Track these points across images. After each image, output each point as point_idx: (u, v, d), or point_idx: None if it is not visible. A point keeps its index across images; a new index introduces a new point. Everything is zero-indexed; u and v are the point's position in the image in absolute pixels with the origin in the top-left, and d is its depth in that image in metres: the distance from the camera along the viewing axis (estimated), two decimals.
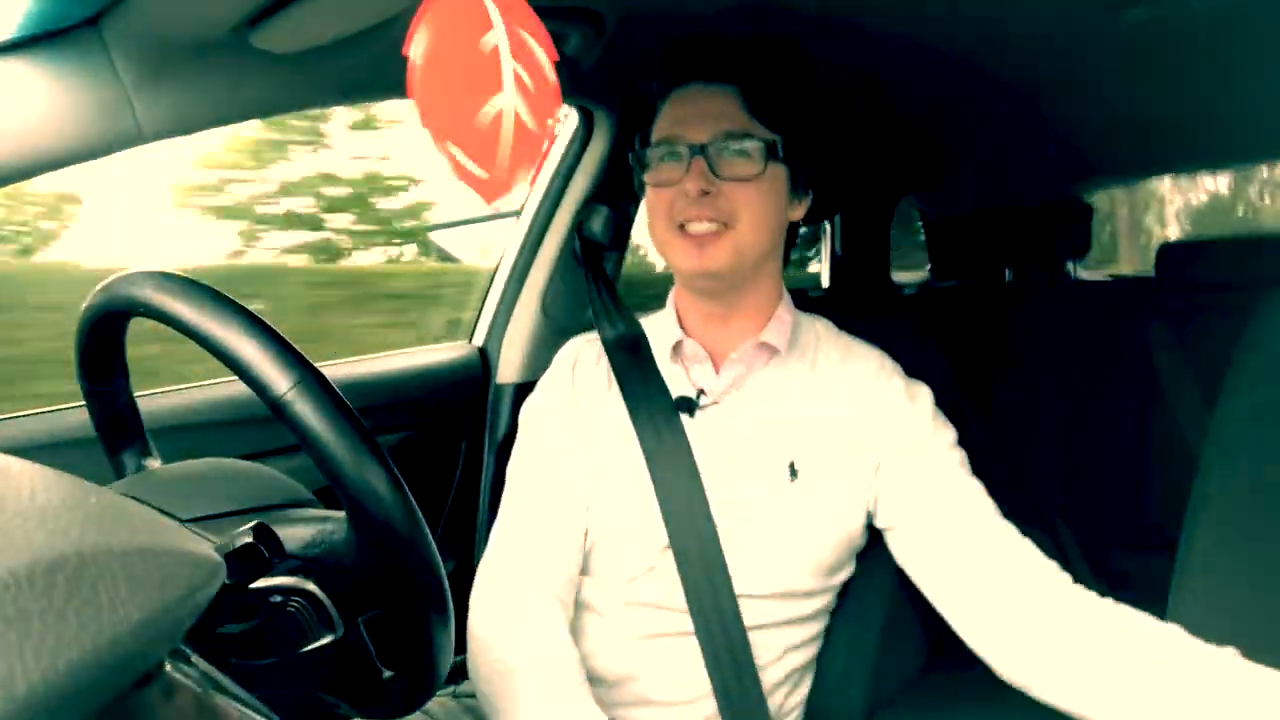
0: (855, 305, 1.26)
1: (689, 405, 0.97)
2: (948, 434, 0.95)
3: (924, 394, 0.97)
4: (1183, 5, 1.09)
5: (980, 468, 0.94)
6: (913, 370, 1.00)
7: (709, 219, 0.91)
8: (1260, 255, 1.56)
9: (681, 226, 0.92)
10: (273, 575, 0.58)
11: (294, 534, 0.61)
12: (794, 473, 0.93)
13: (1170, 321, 1.60)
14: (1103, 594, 0.81)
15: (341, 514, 0.60)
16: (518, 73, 0.57)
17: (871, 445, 0.94)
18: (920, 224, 2.42)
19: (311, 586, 0.58)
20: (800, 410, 0.96)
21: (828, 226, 2.39)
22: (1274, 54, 1.27)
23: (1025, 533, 0.88)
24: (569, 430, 1.00)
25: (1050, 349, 1.74)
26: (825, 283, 2.42)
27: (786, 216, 0.97)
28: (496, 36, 0.57)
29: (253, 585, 0.58)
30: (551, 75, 0.58)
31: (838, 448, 0.94)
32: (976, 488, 0.91)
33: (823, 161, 0.99)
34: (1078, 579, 0.84)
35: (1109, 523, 1.64)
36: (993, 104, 1.60)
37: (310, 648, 0.58)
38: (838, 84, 1.41)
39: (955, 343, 1.73)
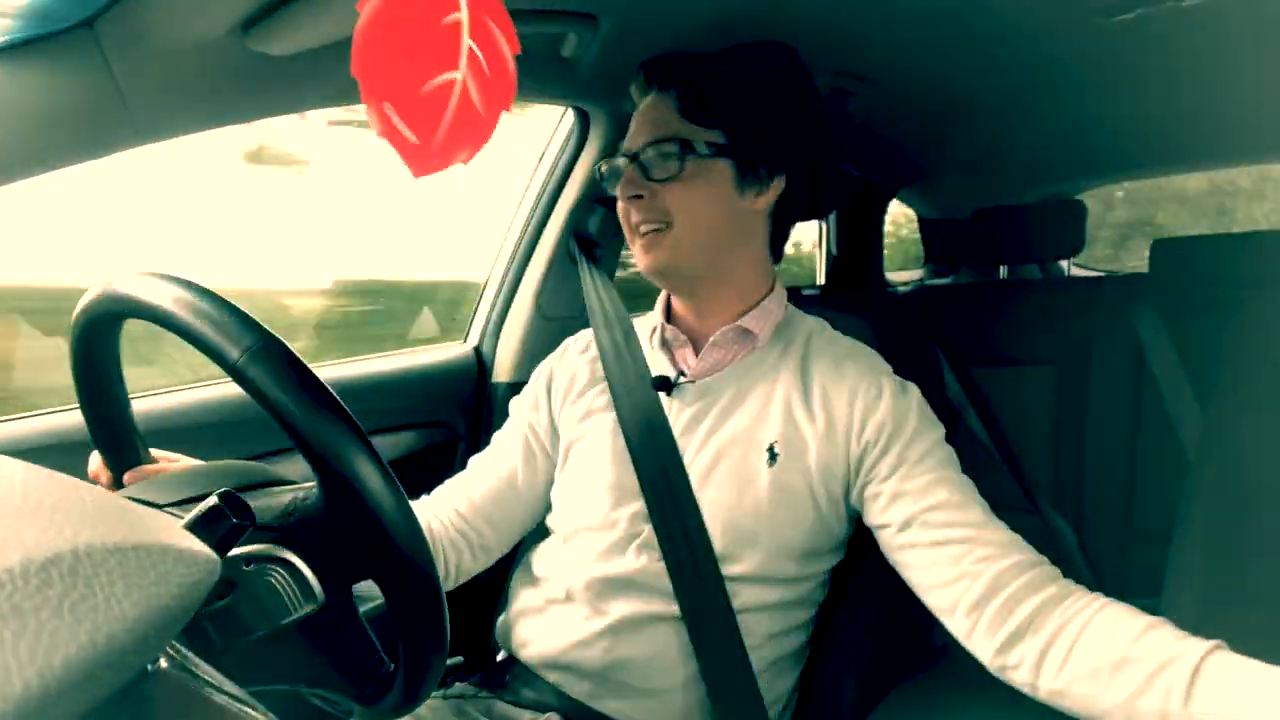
0: (850, 303, 1.27)
1: (666, 384, 1.01)
2: (935, 432, 0.95)
3: (912, 392, 0.98)
4: (1174, 6, 1.09)
5: (974, 463, 0.94)
6: (907, 368, 1.01)
7: (647, 220, 0.97)
8: (1253, 253, 1.57)
9: (636, 229, 0.98)
10: (247, 544, 0.57)
11: (267, 505, 0.60)
12: (773, 457, 0.94)
13: (1163, 318, 1.61)
14: (1095, 588, 0.81)
15: (314, 484, 0.60)
16: (474, 52, 0.56)
17: (856, 441, 0.94)
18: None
19: (289, 554, 0.58)
20: (784, 399, 0.97)
21: (823, 226, 2.40)
22: (1267, 53, 1.28)
23: (1018, 528, 0.88)
24: (534, 413, 1.12)
25: (1044, 345, 1.74)
26: (820, 281, 2.43)
27: (741, 207, 0.99)
28: (459, 16, 0.56)
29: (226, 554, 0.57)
30: (512, 67, 0.57)
31: (820, 439, 0.94)
32: (966, 484, 0.91)
33: (787, 150, 1.00)
34: (1070, 574, 0.84)
35: (1103, 518, 1.65)
36: (986, 103, 1.61)
37: (292, 619, 0.57)
38: (830, 86, 1.41)
39: (949, 340, 1.74)
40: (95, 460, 0.76)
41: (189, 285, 0.57)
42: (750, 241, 1.02)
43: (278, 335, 0.56)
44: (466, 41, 0.55)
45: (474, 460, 1.14)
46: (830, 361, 0.99)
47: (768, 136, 0.98)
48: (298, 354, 0.56)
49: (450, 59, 0.55)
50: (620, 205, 1.00)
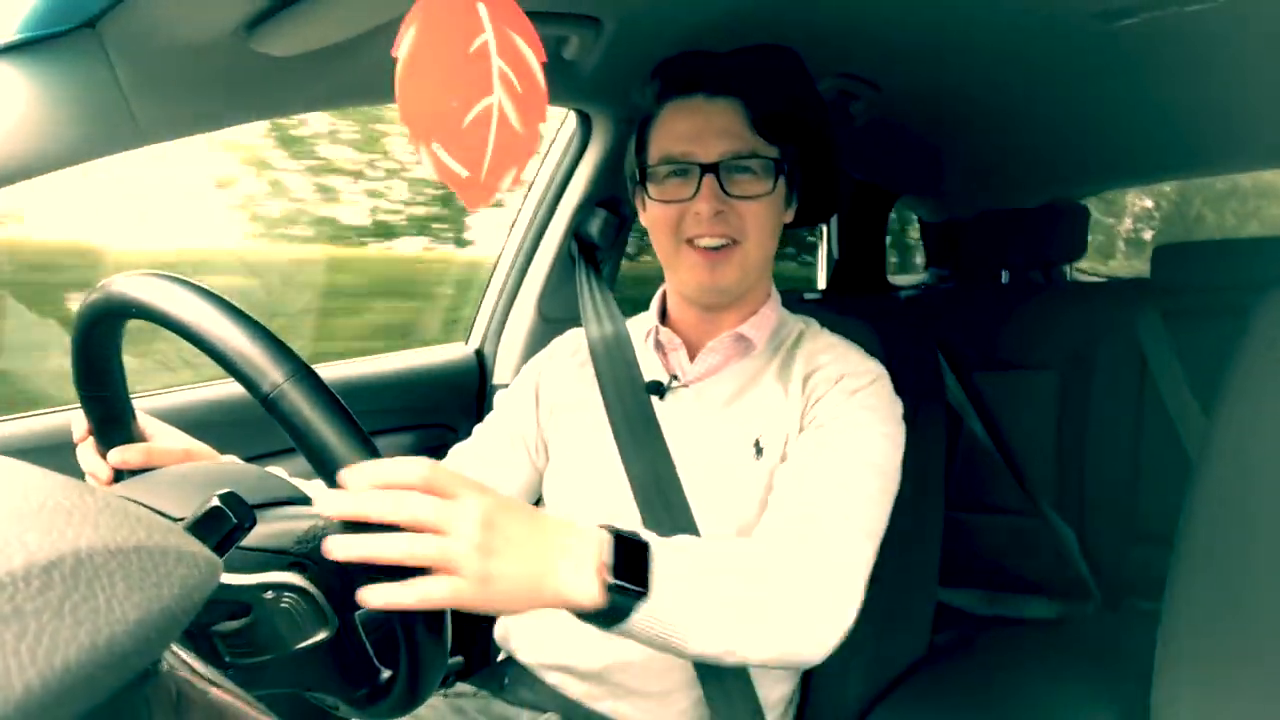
0: (852, 307, 1.27)
1: (659, 388, 1.00)
2: (869, 415, 0.91)
3: (876, 377, 0.95)
4: (1176, 12, 1.09)
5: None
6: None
7: (718, 235, 0.93)
8: (1254, 257, 1.57)
9: (689, 241, 0.94)
10: (266, 572, 0.58)
11: (286, 529, 0.60)
12: (759, 450, 0.94)
13: (1165, 323, 1.61)
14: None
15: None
16: (505, 73, 0.56)
17: (805, 406, 0.94)
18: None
19: (304, 582, 0.58)
20: (766, 394, 0.97)
21: (825, 229, 2.40)
22: (1271, 59, 1.28)
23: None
24: (518, 412, 1.09)
25: (1046, 349, 1.74)
26: (822, 284, 2.43)
27: (782, 222, 1.00)
28: (485, 37, 0.56)
29: (245, 582, 0.58)
30: (541, 78, 0.57)
31: (791, 420, 0.94)
32: (846, 472, 0.86)
33: (820, 169, 1.00)
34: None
35: (1104, 520, 1.64)
36: (988, 109, 1.61)
37: (304, 644, 0.58)
38: (833, 89, 1.41)
39: (952, 344, 1.74)
40: (80, 426, 0.75)
41: (221, 302, 0.56)
42: (773, 255, 1.03)
43: (310, 365, 0.56)
44: (496, 63, 0.55)
45: (455, 450, 1.12)
46: (810, 353, 0.99)
47: (822, 154, 0.98)
48: (327, 384, 0.56)
49: (484, 85, 0.55)
50: (667, 213, 0.95)
